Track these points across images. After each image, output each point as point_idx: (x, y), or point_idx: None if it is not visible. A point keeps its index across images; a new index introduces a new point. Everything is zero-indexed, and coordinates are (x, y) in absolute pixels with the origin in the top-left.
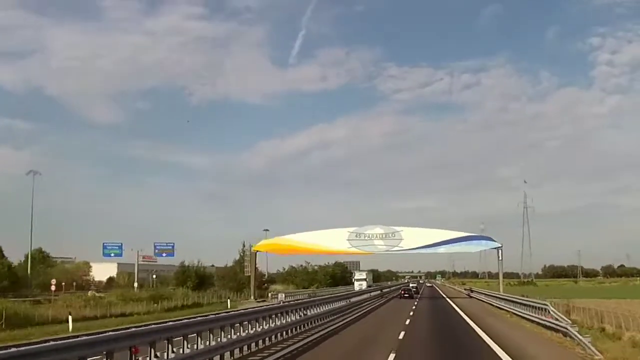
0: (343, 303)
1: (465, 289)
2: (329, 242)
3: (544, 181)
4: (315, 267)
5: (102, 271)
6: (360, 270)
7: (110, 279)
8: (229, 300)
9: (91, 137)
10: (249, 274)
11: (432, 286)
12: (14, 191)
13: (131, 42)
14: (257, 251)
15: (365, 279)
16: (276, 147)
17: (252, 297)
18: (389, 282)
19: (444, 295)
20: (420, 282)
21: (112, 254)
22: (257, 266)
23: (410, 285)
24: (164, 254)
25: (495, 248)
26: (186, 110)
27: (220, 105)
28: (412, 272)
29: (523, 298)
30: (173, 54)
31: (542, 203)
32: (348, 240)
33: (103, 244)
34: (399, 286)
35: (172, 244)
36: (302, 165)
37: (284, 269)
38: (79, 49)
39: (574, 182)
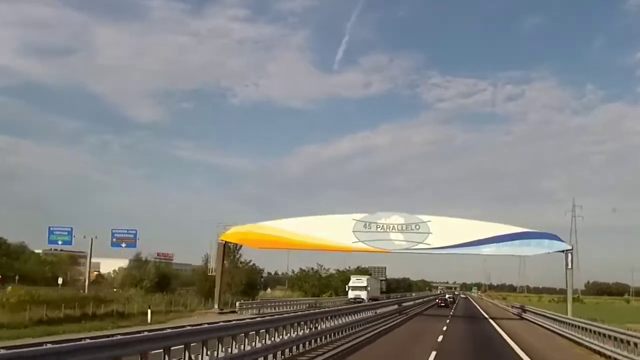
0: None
1: (513, 306)
2: (327, 233)
3: (588, 195)
4: (333, 272)
5: (111, 267)
6: (358, 275)
7: (100, 275)
8: (149, 312)
9: (134, 136)
10: (215, 273)
11: (466, 298)
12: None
13: (176, 43)
14: (227, 242)
15: (365, 287)
16: (317, 153)
17: (215, 306)
18: (417, 294)
19: (485, 314)
20: (456, 293)
21: (60, 242)
22: (241, 261)
23: (447, 296)
24: (123, 244)
25: (563, 251)
26: (229, 111)
27: (262, 107)
28: (447, 282)
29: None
30: (217, 55)
31: (586, 217)
32: (354, 232)
33: (49, 228)
34: (430, 298)
35: (133, 231)
36: (343, 172)
37: (294, 271)
38: (124, 47)
39: (619, 198)
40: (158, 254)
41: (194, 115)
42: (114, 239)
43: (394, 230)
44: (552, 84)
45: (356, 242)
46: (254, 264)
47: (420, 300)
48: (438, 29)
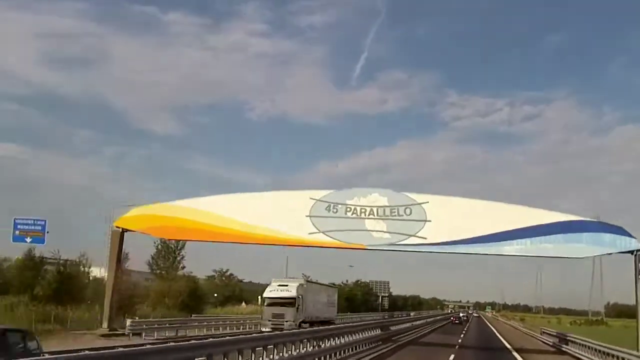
0: None
1: (544, 332)
2: (267, 219)
3: (606, 216)
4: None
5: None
6: (283, 279)
7: None
8: None
9: (150, 149)
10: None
11: (479, 317)
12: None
13: (194, 57)
14: (127, 230)
15: (292, 303)
16: (333, 168)
17: (104, 325)
18: (417, 313)
19: (505, 341)
20: (469, 312)
21: (28, 239)
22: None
23: (461, 314)
24: (27, 239)
25: (632, 252)
26: (245, 126)
27: (279, 123)
28: (460, 301)
29: None
30: (234, 70)
31: None
32: (311, 217)
33: (14, 220)
34: (437, 318)
35: (42, 222)
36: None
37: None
38: (141, 60)
39: (636, 219)
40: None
41: (210, 130)
42: (17, 231)
43: (372, 216)
44: (570, 105)
45: (314, 232)
46: (228, 273)
47: (422, 322)
48: (456, 47)
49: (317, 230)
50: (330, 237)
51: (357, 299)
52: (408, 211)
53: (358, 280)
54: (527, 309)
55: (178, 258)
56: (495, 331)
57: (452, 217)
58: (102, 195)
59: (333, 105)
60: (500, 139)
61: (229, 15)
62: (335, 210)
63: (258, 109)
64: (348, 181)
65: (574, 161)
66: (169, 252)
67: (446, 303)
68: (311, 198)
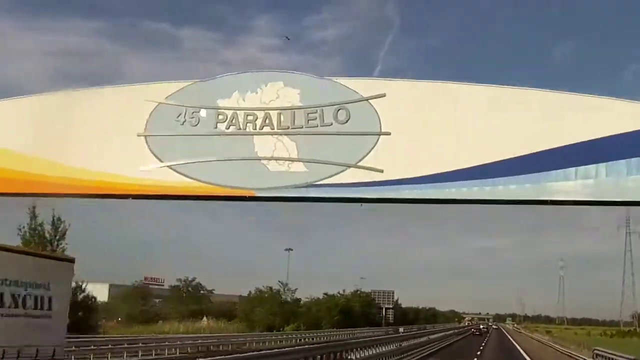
0: None
1: (597, 353)
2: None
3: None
4: (307, 299)
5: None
6: None
7: None
8: None
9: None
10: None
11: (498, 329)
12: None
13: (207, 72)
14: None
15: None
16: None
17: None
18: (419, 327)
19: None
20: (489, 323)
21: None
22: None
23: (481, 326)
24: None
25: None
26: None
27: None
28: (479, 313)
29: None
30: None
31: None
32: (147, 137)
33: None
34: (449, 332)
35: None
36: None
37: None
38: (155, 77)
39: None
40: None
41: None
42: None
43: (269, 129)
44: None
45: (153, 167)
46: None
47: (422, 339)
48: (469, 58)
49: (158, 162)
50: (183, 174)
51: (354, 311)
52: (343, 116)
53: (357, 290)
54: (548, 320)
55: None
56: (520, 348)
57: (435, 125)
58: None
59: None
60: None
61: (242, 30)
62: (194, 121)
63: None
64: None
65: None
66: (42, 241)
67: (464, 315)
68: (148, 100)
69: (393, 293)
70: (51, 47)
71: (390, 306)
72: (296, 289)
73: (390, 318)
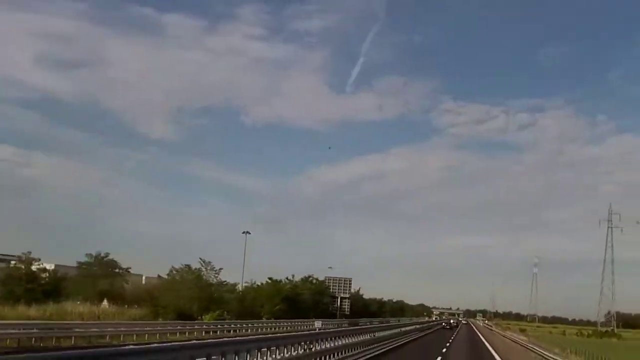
0: None
1: None
2: None
3: (595, 226)
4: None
5: None
6: None
7: None
8: None
9: (146, 152)
10: None
11: (468, 324)
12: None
13: (191, 60)
14: None
15: None
16: (328, 174)
17: None
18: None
19: None
20: (459, 319)
21: None
22: None
23: (452, 321)
24: None
25: None
26: (242, 130)
27: (275, 127)
28: (450, 308)
29: None
30: (231, 73)
31: (593, 248)
32: None
33: None
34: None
35: None
36: (353, 194)
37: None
38: (138, 63)
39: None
40: None
41: (206, 133)
42: None
43: None
44: (566, 114)
45: None
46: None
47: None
48: (453, 54)
49: None
50: None
51: (302, 300)
52: None
53: (310, 276)
54: (519, 317)
55: None
56: (492, 350)
57: None
58: None
59: (329, 110)
60: (497, 147)
61: (227, 18)
62: None
63: (255, 113)
64: (344, 186)
65: (570, 170)
66: None
67: (434, 309)
68: None
69: (350, 281)
70: (32, 29)
71: (347, 295)
72: (221, 269)
73: (347, 309)
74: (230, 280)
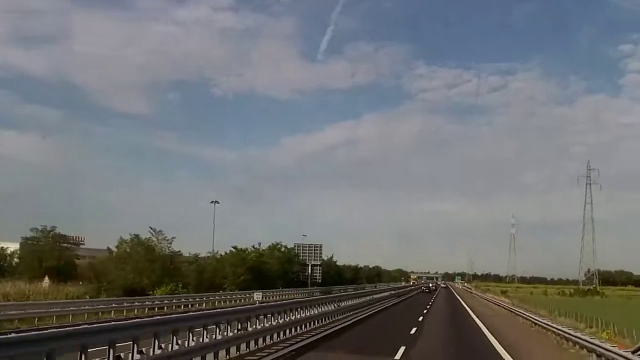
0: None
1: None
2: None
3: (569, 186)
4: (209, 254)
5: None
6: None
7: None
8: None
9: (116, 126)
10: None
11: (447, 287)
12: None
13: (160, 32)
14: None
15: None
16: (302, 143)
17: None
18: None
19: None
20: (438, 282)
21: None
22: None
23: (430, 284)
24: None
25: None
26: (213, 102)
27: (246, 98)
28: (428, 272)
29: None
30: (201, 45)
31: (567, 208)
32: None
33: None
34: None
35: None
36: (327, 163)
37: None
38: (107, 36)
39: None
40: None
41: (177, 106)
42: None
43: None
44: (537, 75)
45: None
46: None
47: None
48: (424, 19)
49: None
50: None
51: (269, 269)
52: None
53: (277, 244)
54: (498, 278)
55: None
56: (472, 315)
57: None
58: None
59: (301, 79)
60: (469, 111)
61: None
62: None
63: (225, 84)
64: (318, 155)
65: (540, 132)
66: None
67: (412, 274)
68: None
69: (321, 247)
70: None
71: (318, 263)
72: (173, 237)
73: (318, 277)
74: (201, 252)
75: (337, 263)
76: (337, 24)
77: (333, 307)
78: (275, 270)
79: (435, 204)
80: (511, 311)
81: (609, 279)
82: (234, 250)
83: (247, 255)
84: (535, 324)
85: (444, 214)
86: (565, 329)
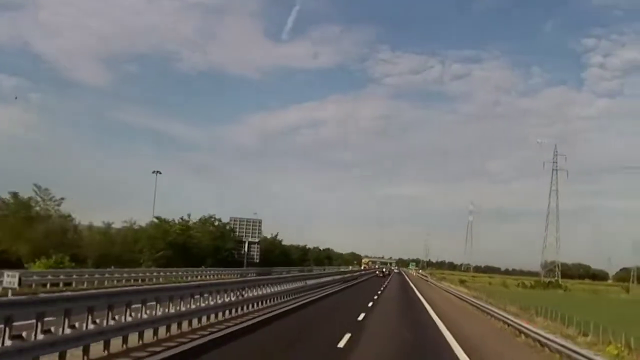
0: None
1: None
2: None
3: (528, 177)
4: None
5: None
6: None
7: None
8: None
9: (76, 97)
10: None
11: (400, 273)
12: None
13: (124, 4)
14: None
15: None
16: (265, 122)
17: None
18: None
19: None
20: (392, 267)
21: None
22: None
23: (384, 269)
24: None
25: None
26: (176, 77)
27: (210, 74)
28: (382, 257)
29: None
30: (166, 18)
31: (526, 199)
32: None
33: None
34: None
35: None
36: (290, 143)
37: None
38: (69, 5)
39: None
40: None
41: (139, 79)
42: None
43: None
44: (501, 65)
45: None
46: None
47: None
48: (391, 4)
49: None
50: None
51: (197, 244)
52: None
53: (211, 217)
54: (452, 266)
55: None
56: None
57: None
58: None
59: (265, 58)
60: (433, 97)
61: None
62: None
63: (189, 59)
64: (281, 134)
65: (503, 121)
66: None
67: (365, 258)
68: None
69: (260, 223)
70: None
71: (256, 240)
72: (62, 199)
73: (255, 256)
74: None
75: (284, 243)
76: (303, 4)
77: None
78: (205, 246)
79: (394, 189)
80: (479, 308)
81: (566, 271)
82: (156, 220)
83: (169, 227)
84: (521, 332)
85: (403, 199)
86: (572, 346)
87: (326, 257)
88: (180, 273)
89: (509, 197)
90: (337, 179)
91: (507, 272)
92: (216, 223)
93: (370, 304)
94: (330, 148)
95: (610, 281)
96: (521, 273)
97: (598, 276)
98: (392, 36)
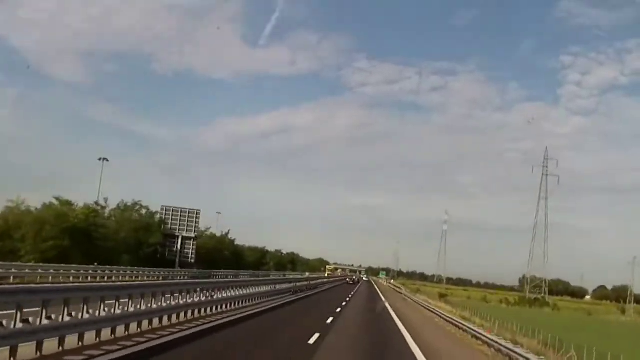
0: None
1: None
2: None
3: (502, 193)
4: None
5: None
6: None
7: None
8: None
9: (52, 93)
10: None
11: (369, 282)
12: None
13: (102, 2)
14: None
15: None
16: (237, 126)
17: None
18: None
19: None
20: (361, 275)
21: None
22: None
23: (354, 277)
24: None
25: None
26: (151, 77)
27: (185, 76)
28: (352, 265)
29: None
30: (144, 19)
31: (500, 215)
32: None
33: None
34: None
35: None
36: (260, 147)
37: None
38: (48, 2)
39: (529, 197)
40: None
41: (115, 79)
42: None
43: None
44: (478, 79)
45: None
46: None
47: None
48: (369, 14)
49: None
50: None
51: (109, 235)
52: None
53: (137, 203)
54: (424, 277)
55: None
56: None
57: None
58: None
59: (241, 62)
60: (407, 108)
61: None
62: None
63: (166, 60)
64: (252, 139)
65: (477, 135)
66: None
67: (331, 266)
68: None
69: (198, 214)
70: None
71: (191, 235)
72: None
73: (190, 255)
74: None
75: (237, 243)
76: (283, 11)
77: None
78: (122, 239)
79: (366, 197)
80: (489, 345)
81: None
82: (55, 202)
83: (70, 212)
84: None
85: (374, 208)
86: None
87: (290, 262)
88: (61, 272)
89: (480, 210)
90: (307, 185)
91: (479, 285)
92: (143, 212)
93: (312, 341)
94: (303, 154)
95: (588, 298)
96: (494, 287)
97: (577, 294)
98: (370, 46)
